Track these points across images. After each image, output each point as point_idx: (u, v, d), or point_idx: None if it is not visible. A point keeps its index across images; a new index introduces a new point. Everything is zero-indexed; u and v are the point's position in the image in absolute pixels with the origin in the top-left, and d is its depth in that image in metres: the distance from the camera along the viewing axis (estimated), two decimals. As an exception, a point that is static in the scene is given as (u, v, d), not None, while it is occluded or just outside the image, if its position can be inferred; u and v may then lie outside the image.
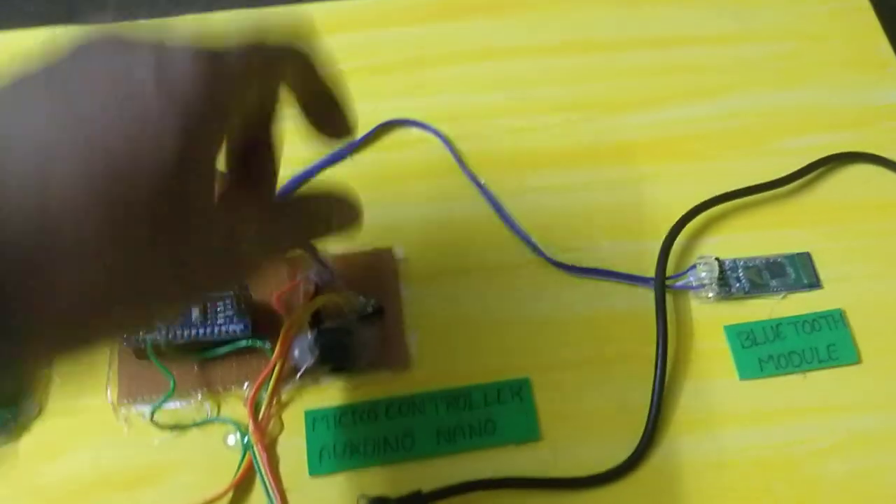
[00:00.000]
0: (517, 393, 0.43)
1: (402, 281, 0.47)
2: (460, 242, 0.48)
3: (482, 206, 0.49)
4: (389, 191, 0.50)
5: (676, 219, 0.47)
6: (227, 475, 0.41)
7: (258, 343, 0.43)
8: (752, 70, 0.54)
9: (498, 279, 0.47)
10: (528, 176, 0.50)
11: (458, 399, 0.43)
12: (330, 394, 0.44)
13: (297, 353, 0.43)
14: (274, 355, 0.43)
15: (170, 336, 0.43)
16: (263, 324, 0.44)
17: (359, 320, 0.45)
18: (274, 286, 0.45)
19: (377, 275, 0.46)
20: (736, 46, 0.56)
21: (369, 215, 0.48)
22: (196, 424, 0.43)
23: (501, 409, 0.43)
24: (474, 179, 0.50)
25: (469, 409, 0.43)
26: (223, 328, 0.43)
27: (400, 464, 0.41)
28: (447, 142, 0.51)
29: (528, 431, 0.42)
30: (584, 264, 0.47)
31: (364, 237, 0.47)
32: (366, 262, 0.46)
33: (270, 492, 0.41)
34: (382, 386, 0.44)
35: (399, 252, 0.47)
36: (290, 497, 0.41)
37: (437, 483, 0.40)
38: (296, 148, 0.49)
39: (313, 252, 0.43)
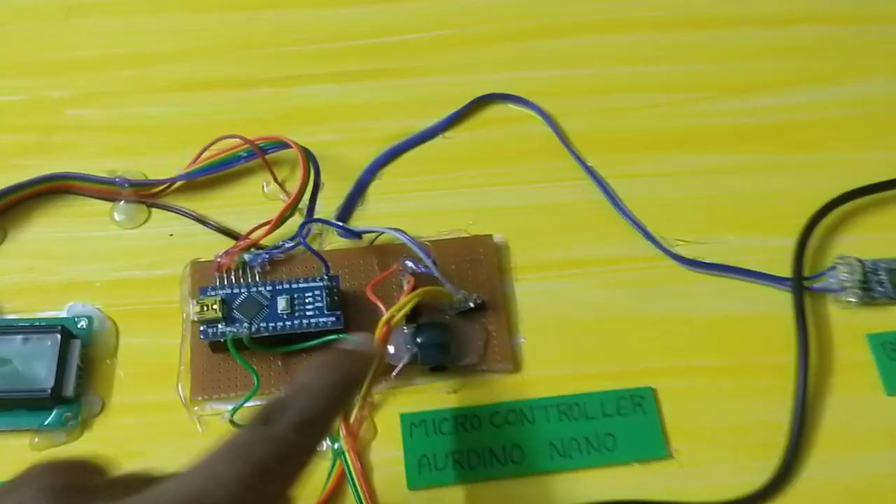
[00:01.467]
0: (639, 404, 0.38)
1: (505, 272, 0.42)
2: (567, 231, 0.43)
3: (590, 191, 0.44)
4: (486, 171, 0.45)
5: (803, 213, 0.42)
6: (314, 485, 0.37)
7: (349, 338, 0.39)
8: (874, 54, 0.49)
9: (611, 274, 0.42)
10: (638, 160, 0.45)
11: (572, 408, 0.38)
12: (427, 396, 0.39)
13: (392, 349, 0.39)
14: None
15: (253, 329, 0.38)
16: (355, 317, 0.39)
17: (459, 315, 0.40)
18: (366, 276, 0.41)
19: (476, 265, 0.42)
20: (855, 27, 0.51)
21: (463, 198, 0.44)
22: (279, 427, 0.38)
23: (622, 422, 0.38)
24: (581, 161, 0.45)
25: (585, 421, 0.38)
26: (312, 321, 0.39)
27: (508, 480, 0.37)
28: (549, 119, 0.46)
29: (652, 448, 0.38)
30: (708, 260, 0.42)
31: (458, 222, 0.42)
32: (463, 250, 0.42)
33: (365, 505, 0.36)
34: (486, 390, 0.39)
35: (499, 238, 0.42)
36: (385, 513, 0.37)
37: None
38: (383, 125, 0.46)
39: (412, 240, 0.38)
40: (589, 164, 0.45)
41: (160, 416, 0.39)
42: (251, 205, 0.44)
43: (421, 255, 0.39)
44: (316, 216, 0.42)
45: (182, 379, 0.39)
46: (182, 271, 0.42)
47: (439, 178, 0.45)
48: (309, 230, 0.41)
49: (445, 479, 0.37)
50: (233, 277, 0.40)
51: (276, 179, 0.44)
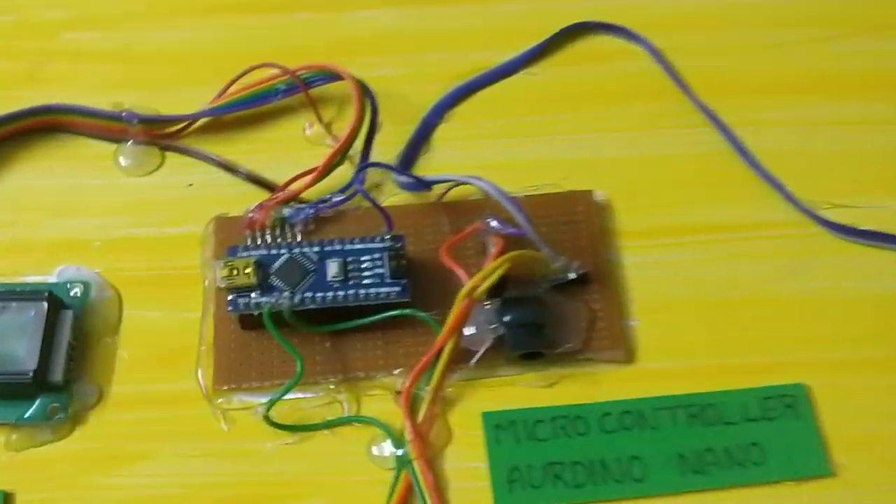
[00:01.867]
0: (790, 405, 0.30)
1: (609, 236, 0.33)
2: (686, 189, 0.35)
3: (713, 141, 0.36)
4: (580, 115, 0.36)
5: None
6: (373, 501, 0.28)
7: (419, 314, 0.30)
8: None
9: (744, 243, 0.33)
10: (769, 106, 0.37)
11: (705, 411, 0.30)
12: (516, 392, 0.31)
13: (473, 330, 0.30)
14: (442, 332, 0.30)
15: (296, 300, 0.29)
16: (425, 288, 0.31)
17: (555, 289, 0.31)
18: (434, 240, 0.32)
19: (572, 228, 0.33)
20: None
21: (552, 148, 0.36)
22: (327, 425, 0.30)
23: (770, 428, 0.29)
24: (701, 105, 0.36)
25: (723, 427, 0.29)
26: (371, 291, 0.30)
27: (629, 502, 0.28)
28: (659, 55, 0.37)
29: (810, 462, 0.29)
30: (864, 226, 0.33)
31: (547, 176, 0.34)
32: (554, 209, 0.33)
33: (441, 534, 0.28)
34: (592, 385, 0.31)
35: (600, 196, 0.34)
36: (467, 543, 0.28)
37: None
38: (453, 58, 0.37)
39: (499, 191, 0.30)
40: (711, 109, 0.36)
41: (173, 411, 0.30)
42: (290, 150, 0.36)
43: (512, 209, 0.30)
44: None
45: (202, 363, 0.31)
46: (204, 229, 0.33)
47: (522, 122, 0.36)
48: (364, 177, 0.32)
49: (545, 499, 0.28)
50: (268, 237, 0.32)
51: (321, 120, 0.36)
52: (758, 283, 0.32)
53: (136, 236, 0.34)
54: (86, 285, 0.32)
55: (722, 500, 0.28)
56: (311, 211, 0.33)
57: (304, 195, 0.33)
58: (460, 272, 0.30)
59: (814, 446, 0.29)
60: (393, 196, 0.34)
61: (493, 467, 0.29)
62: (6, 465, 0.29)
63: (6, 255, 0.33)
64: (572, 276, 0.31)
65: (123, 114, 0.35)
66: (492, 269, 0.29)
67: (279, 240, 0.31)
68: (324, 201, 0.33)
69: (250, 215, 0.33)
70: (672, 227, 0.34)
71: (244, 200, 0.34)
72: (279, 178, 0.34)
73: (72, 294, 0.32)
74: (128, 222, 0.34)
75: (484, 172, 0.32)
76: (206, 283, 0.32)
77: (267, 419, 0.29)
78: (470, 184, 0.31)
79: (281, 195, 0.33)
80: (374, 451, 0.29)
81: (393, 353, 0.31)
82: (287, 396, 0.30)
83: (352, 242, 0.31)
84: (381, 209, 0.31)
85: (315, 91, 0.36)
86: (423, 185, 0.33)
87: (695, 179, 0.35)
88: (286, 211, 0.33)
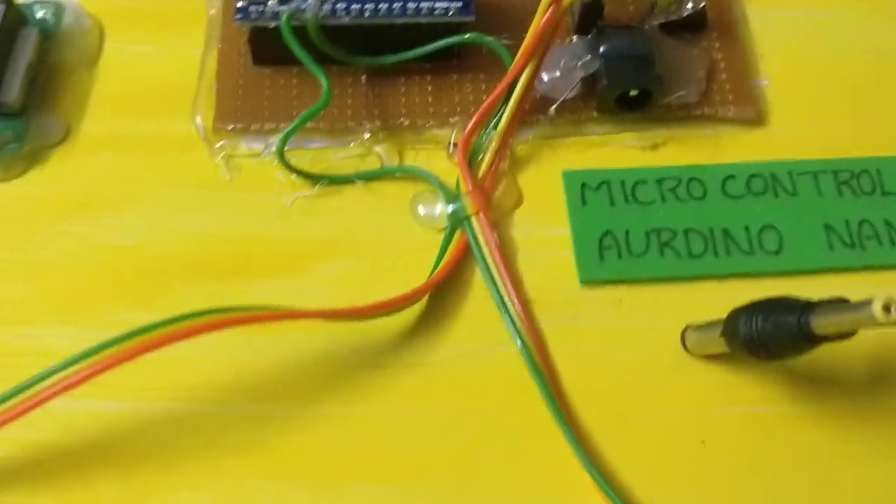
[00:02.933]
0: (971, 177, 0.22)
1: (729, -11, 0.26)
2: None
3: None
4: None
5: None
6: (416, 268, 0.21)
7: (485, 39, 0.23)
8: None
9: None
10: None
11: (859, 178, 0.22)
12: (607, 153, 0.23)
13: (555, 73, 0.23)
14: (516, 60, 0.22)
15: (324, 9, 0.22)
16: (492, 14, 0.24)
17: (665, 30, 0.24)
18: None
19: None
20: None
21: None
22: (362, 177, 0.23)
23: (941, 201, 0.22)
24: None
25: (882, 196, 0.22)
26: (423, 4, 0.23)
27: (757, 279, 0.21)
28: None
29: None
30: None
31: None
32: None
33: (505, 299, 0.20)
34: (710, 149, 0.24)
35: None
36: (540, 316, 0.20)
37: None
38: None
39: None
40: None
41: (161, 155, 0.23)
42: None
43: None
44: None
45: (200, 103, 0.24)
46: (211, -39, 0.26)
47: None
48: None
49: (646, 270, 0.21)
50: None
51: None
52: (911, 47, 0.25)
53: (127, -34, 0.27)
54: (57, 7, 0.25)
55: (883, 281, 0.21)
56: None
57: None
58: (541, -17, 0.22)
59: None
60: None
61: (577, 231, 0.22)
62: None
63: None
64: (689, 8, 0.24)
65: None
66: (583, -25, 0.22)
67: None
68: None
69: (271, -61, 0.25)
70: (806, -18, 0.26)
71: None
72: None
73: (39, 16, 0.25)
74: (117, -51, 0.27)
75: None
76: (212, 12, 0.25)
77: (281, 158, 0.22)
78: None
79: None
80: (421, 209, 0.22)
81: (447, 98, 0.24)
82: (310, 146, 0.23)
83: (402, -49, 0.24)
84: None
85: None
86: None
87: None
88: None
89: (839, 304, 0.17)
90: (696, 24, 0.24)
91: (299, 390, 0.20)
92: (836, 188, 0.22)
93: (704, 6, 0.24)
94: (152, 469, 0.19)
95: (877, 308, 0.15)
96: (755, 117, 0.24)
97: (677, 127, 0.24)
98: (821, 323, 0.17)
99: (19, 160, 0.23)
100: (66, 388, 0.18)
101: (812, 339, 0.17)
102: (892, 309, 0.15)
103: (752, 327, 0.18)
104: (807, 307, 0.17)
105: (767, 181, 0.22)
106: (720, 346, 0.19)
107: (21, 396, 0.18)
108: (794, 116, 0.24)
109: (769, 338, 0.18)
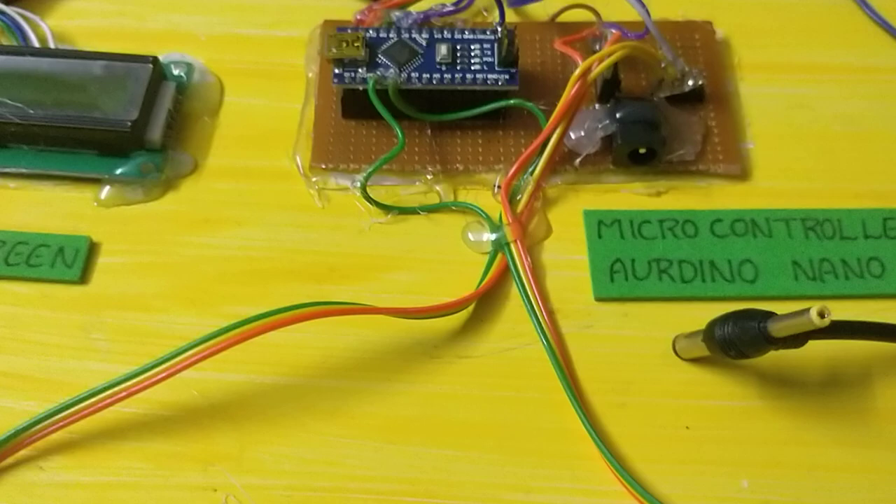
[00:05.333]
0: (915, 227, 0.28)
1: (727, 68, 0.32)
2: (806, 33, 0.33)
3: (835, -6, 0.34)
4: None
5: None
6: (465, 281, 0.27)
7: (527, 104, 0.29)
8: None
9: (867, 83, 0.32)
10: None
11: (823, 225, 0.28)
12: (621, 198, 0.29)
13: (580, 133, 0.29)
14: (550, 121, 0.28)
15: (402, 77, 0.29)
16: (535, 80, 0.30)
17: (670, 101, 0.30)
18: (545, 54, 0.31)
19: (691, 54, 0.32)
20: None
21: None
22: (424, 210, 0.29)
23: (891, 246, 0.27)
24: (824, -39, 0.35)
25: (840, 241, 0.28)
26: (479, 76, 0.29)
27: (735, 301, 0.26)
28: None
29: (938, 280, 0.27)
30: None
31: (668, 9, 0.33)
32: (674, 36, 0.32)
33: (535, 309, 0.26)
34: (703, 197, 0.29)
35: (719, 32, 0.32)
36: (561, 323, 0.26)
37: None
38: None
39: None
40: (833, -34, 0.35)
41: (268, 185, 0.29)
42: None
43: (636, 5, 0.29)
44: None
45: (300, 146, 0.30)
46: (310, 32, 0.33)
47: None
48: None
49: (647, 291, 0.27)
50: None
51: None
52: (881, 119, 0.31)
53: (242, 34, 0.33)
54: (189, 67, 0.31)
55: (837, 308, 0.26)
56: (421, 16, 0.32)
57: (413, 7, 0.33)
58: (574, 55, 0.29)
59: (940, 267, 0.27)
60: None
61: (593, 258, 0.28)
62: (95, 217, 0.29)
63: (112, 41, 0.33)
64: (690, 84, 0.30)
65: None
66: (608, 51, 0.28)
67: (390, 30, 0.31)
68: (434, 10, 0.32)
69: (359, 17, 0.32)
70: (792, 65, 0.32)
71: (353, 9, 0.33)
72: (388, -5, 0.34)
73: (175, 73, 0.31)
74: (233, 21, 0.34)
75: (597, 3, 0.31)
76: (310, 75, 0.32)
77: (364, 192, 0.28)
78: (590, -18, 0.30)
79: (389, 2, 0.33)
80: (471, 236, 0.28)
81: (494, 149, 0.30)
82: (384, 182, 0.29)
83: (462, 32, 0.30)
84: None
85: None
86: (538, -10, 0.32)
87: (816, 25, 0.33)
88: (395, 14, 0.32)
89: (790, 313, 0.22)
90: (696, 97, 0.30)
91: (373, 370, 0.26)
92: (804, 232, 0.28)
93: (703, 83, 0.30)
94: (257, 426, 0.25)
95: (813, 313, 0.21)
96: (740, 173, 0.29)
97: (677, 179, 0.29)
98: (776, 327, 0.22)
99: (159, 186, 0.29)
100: (193, 363, 0.23)
101: (770, 340, 0.23)
102: (825, 314, 0.21)
103: (725, 331, 0.24)
104: (766, 315, 0.23)
105: (748, 224, 0.28)
106: (702, 350, 0.25)
107: (159, 368, 0.24)
108: (773, 173, 0.30)
109: (737, 339, 0.23)
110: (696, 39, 0.32)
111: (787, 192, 0.29)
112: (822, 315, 0.21)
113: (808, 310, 0.21)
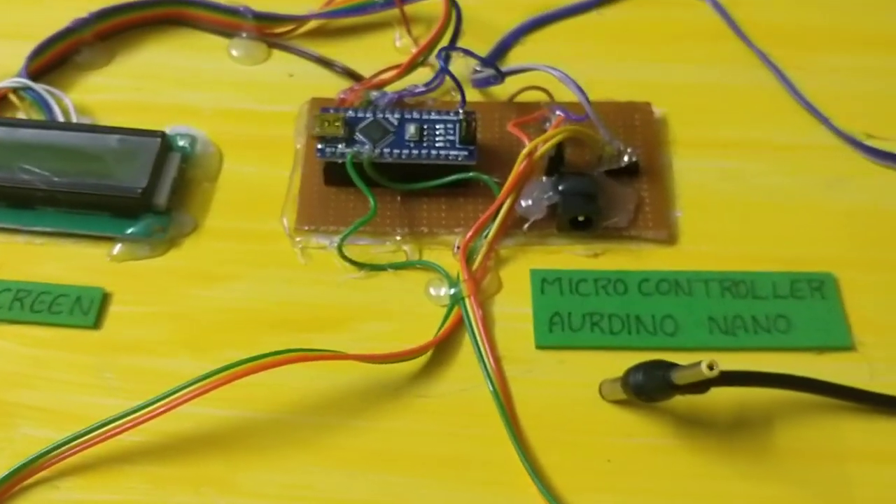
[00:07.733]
0: (818, 289, 0.32)
1: (663, 144, 0.36)
2: (735, 112, 0.38)
3: (764, 77, 0.39)
4: (645, 49, 0.40)
5: None
6: (425, 330, 0.31)
7: (482, 177, 0.33)
8: None
9: (785, 160, 0.36)
10: (825, 55, 0.40)
11: (738, 286, 0.32)
12: (563, 258, 0.34)
13: (529, 202, 0.33)
14: (501, 193, 0.33)
15: (376, 152, 0.33)
16: (491, 157, 0.34)
17: (609, 174, 0.34)
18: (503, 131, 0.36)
19: (630, 132, 0.36)
20: None
21: (620, 70, 0.39)
22: (393, 267, 0.33)
23: (797, 306, 0.32)
24: (755, 48, 0.39)
25: (753, 300, 0.32)
26: (442, 152, 0.34)
27: (657, 352, 0.30)
28: (718, 5, 0.41)
29: (834, 336, 0.31)
30: (901, 154, 0.36)
31: (610, 93, 0.37)
32: (616, 115, 0.36)
33: (484, 356, 0.30)
34: (634, 259, 0.34)
35: (658, 112, 0.37)
36: (506, 368, 0.31)
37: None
38: None
39: (567, 77, 0.33)
40: (765, 52, 0.39)
41: (258, 245, 0.34)
42: (380, 56, 0.39)
43: (577, 93, 0.34)
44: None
45: (287, 209, 0.35)
46: (300, 107, 0.37)
47: (590, 50, 0.40)
48: (448, 56, 0.36)
49: (580, 341, 0.31)
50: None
51: (410, 33, 0.40)
52: (797, 191, 0.35)
53: (241, 109, 0.38)
54: (193, 139, 0.36)
55: (747, 359, 0.31)
56: (396, 96, 0.36)
57: (389, 88, 0.37)
58: (524, 137, 0.33)
59: (837, 322, 0.31)
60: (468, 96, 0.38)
61: (536, 311, 0.32)
62: (108, 270, 0.33)
63: (127, 113, 0.37)
64: (625, 160, 0.34)
65: (240, 8, 0.39)
66: (551, 134, 0.33)
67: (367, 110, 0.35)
68: (407, 90, 0.37)
69: (342, 96, 0.37)
70: (722, 142, 0.37)
71: (336, 89, 0.38)
72: (368, 74, 0.38)
73: (180, 144, 0.36)
74: (235, 98, 0.38)
75: (551, 86, 0.36)
76: (298, 146, 0.36)
77: (340, 251, 0.33)
78: (541, 70, 0.35)
79: (369, 83, 0.37)
80: (432, 290, 0.33)
81: (454, 215, 0.34)
82: (359, 242, 0.33)
83: (429, 113, 0.35)
84: (458, 82, 0.35)
85: (409, 7, 0.40)
86: (498, 75, 0.36)
87: (746, 106, 0.38)
88: (373, 94, 0.36)
89: (688, 364, 0.27)
90: (631, 171, 0.35)
91: (344, 408, 0.30)
92: (721, 292, 0.32)
93: (637, 159, 0.35)
94: (243, 454, 0.29)
95: (703, 366, 0.25)
96: (668, 238, 0.34)
97: (612, 242, 0.34)
98: (677, 376, 0.27)
99: (164, 244, 0.34)
100: (189, 399, 0.28)
101: (674, 387, 0.27)
102: (714, 367, 0.25)
103: (637, 379, 0.28)
104: (670, 366, 0.27)
105: (671, 284, 0.32)
106: (622, 394, 0.29)
107: (160, 403, 0.28)
108: (698, 238, 0.34)
109: (646, 386, 0.28)
110: (636, 119, 0.37)
111: (709, 255, 0.33)
112: (710, 367, 0.25)
113: (700, 363, 0.25)
